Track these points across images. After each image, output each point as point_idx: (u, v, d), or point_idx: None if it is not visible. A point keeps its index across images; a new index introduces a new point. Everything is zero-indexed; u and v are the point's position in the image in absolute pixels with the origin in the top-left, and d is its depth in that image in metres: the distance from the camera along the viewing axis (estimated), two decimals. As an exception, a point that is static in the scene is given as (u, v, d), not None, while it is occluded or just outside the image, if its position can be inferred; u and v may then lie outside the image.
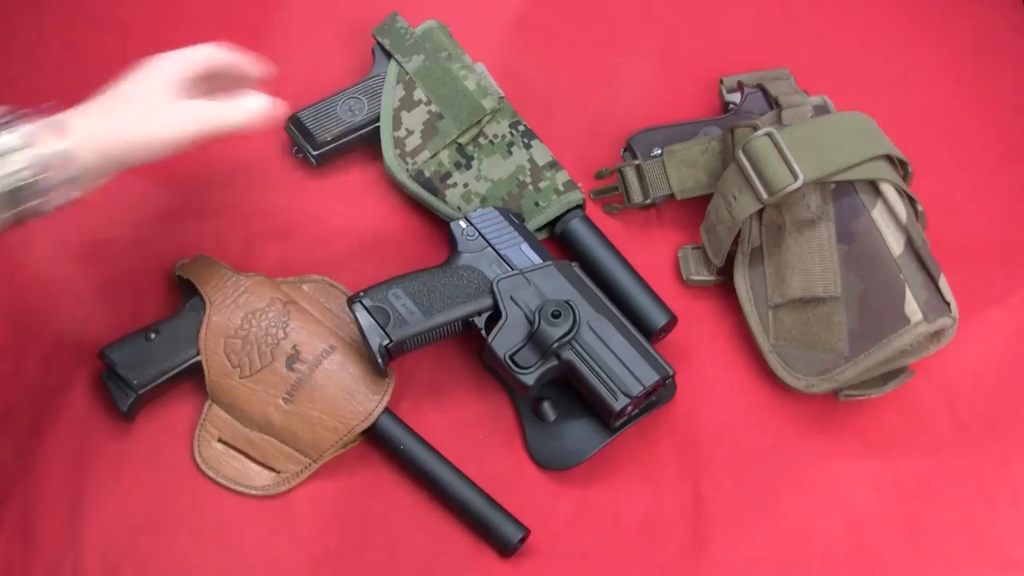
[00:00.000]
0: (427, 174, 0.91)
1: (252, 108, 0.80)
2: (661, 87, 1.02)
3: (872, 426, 0.88)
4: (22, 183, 0.70)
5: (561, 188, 0.91)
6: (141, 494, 0.84)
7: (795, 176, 0.86)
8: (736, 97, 0.97)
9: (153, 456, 0.86)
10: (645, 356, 0.83)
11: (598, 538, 0.84)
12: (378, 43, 0.95)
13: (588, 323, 0.83)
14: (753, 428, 0.88)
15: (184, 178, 0.95)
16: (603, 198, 0.97)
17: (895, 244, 0.86)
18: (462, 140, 0.92)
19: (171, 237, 0.93)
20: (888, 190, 0.87)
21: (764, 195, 0.87)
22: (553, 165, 0.92)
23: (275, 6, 1.05)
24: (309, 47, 1.03)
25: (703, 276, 0.93)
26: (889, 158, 0.89)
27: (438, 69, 0.93)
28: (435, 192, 0.91)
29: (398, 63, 0.94)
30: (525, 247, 0.87)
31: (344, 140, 0.93)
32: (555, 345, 0.82)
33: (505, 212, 0.89)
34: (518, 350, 0.82)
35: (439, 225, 0.93)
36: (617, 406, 0.81)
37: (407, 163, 0.91)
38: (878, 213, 0.87)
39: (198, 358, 0.85)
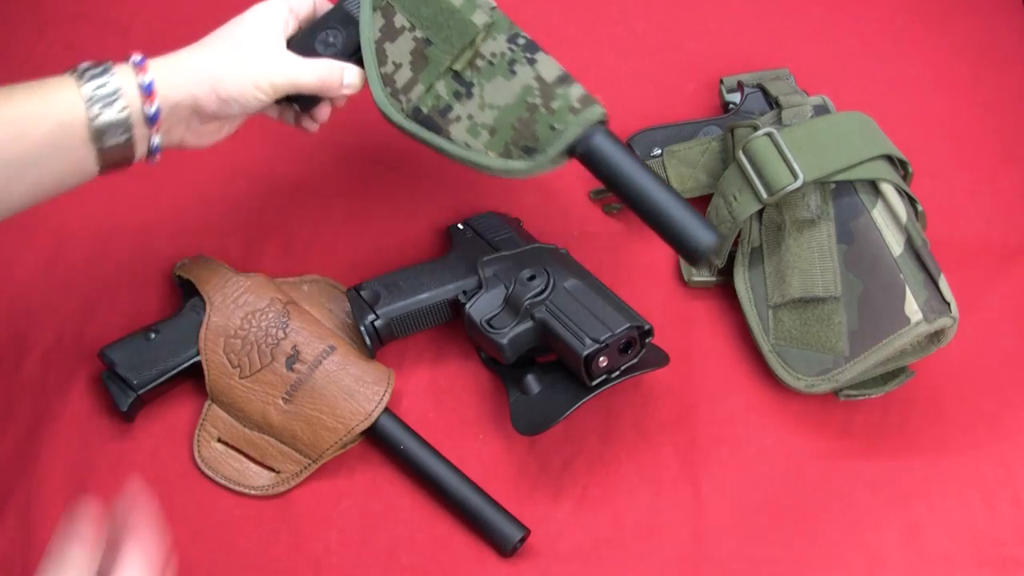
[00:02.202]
0: (425, 110, 0.80)
1: (356, 77, 0.81)
2: (661, 87, 1.02)
3: (872, 426, 0.88)
4: (108, 118, 0.71)
5: (577, 105, 0.78)
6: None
7: (795, 176, 0.86)
8: (736, 97, 0.97)
9: (153, 456, 0.86)
10: (619, 309, 0.83)
11: (598, 538, 0.84)
12: None
13: (565, 287, 0.84)
14: (753, 428, 0.88)
15: (184, 178, 0.95)
16: (603, 198, 0.97)
17: (895, 244, 0.86)
18: (457, 66, 0.80)
19: (171, 237, 0.93)
20: (888, 190, 0.87)
21: (764, 195, 0.87)
22: (564, 79, 0.79)
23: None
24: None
25: (703, 276, 0.93)
26: (889, 158, 0.89)
27: None
28: (437, 130, 0.80)
29: None
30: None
31: None
32: (528, 304, 0.82)
33: (503, 215, 0.90)
34: (495, 315, 0.83)
35: (441, 224, 0.93)
36: (583, 351, 0.80)
37: (401, 101, 0.80)
38: (878, 213, 0.87)
39: (198, 358, 0.85)
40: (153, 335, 0.86)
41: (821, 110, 0.92)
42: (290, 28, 0.80)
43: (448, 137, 0.79)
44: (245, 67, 0.76)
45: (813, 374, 0.87)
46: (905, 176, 0.91)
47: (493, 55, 0.80)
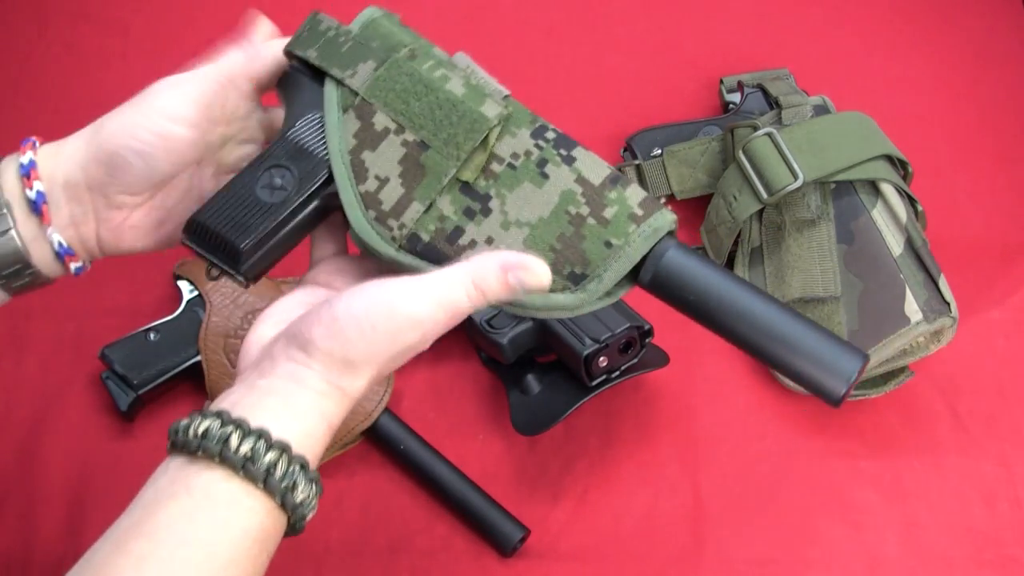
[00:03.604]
0: (426, 238, 0.60)
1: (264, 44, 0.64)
2: (661, 87, 1.02)
3: (872, 426, 0.88)
4: None
5: (639, 211, 0.58)
6: (141, 494, 0.84)
7: (795, 176, 0.86)
8: (736, 97, 0.97)
9: (153, 456, 0.85)
10: (619, 309, 0.83)
11: (598, 538, 0.84)
12: (297, 64, 0.63)
13: None
14: (753, 428, 0.88)
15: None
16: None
17: (895, 244, 0.86)
18: (466, 175, 0.60)
19: (171, 237, 0.93)
20: (888, 190, 0.87)
21: (764, 195, 0.87)
22: (615, 179, 0.59)
23: (277, 6, 1.05)
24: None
25: (703, 276, 0.93)
26: (889, 158, 0.89)
27: (401, 76, 0.61)
28: (445, 261, 0.59)
29: (337, 82, 0.62)
30: None
31: (280, 236, 0.60)
32: None
33: None
34: (495, 315, 0.83)
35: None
36: (583, 350, 0.80)
37: (391, 227, 0.60)
38: (878, 213, 0.87)
39: (198, 358, 0.85)
40: (153, 335, 0.86)
41: (821, 110, 0.92)
42: (243, 91, 0.64)
43: None
44: (142, 105, 0.60)
45: (813, 374, 0.87)
46: (905, 176, 0.91)
47: (515, 156, 0.60)
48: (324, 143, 0.61)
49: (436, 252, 0.60)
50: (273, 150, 0.61)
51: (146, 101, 0.59)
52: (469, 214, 0.60)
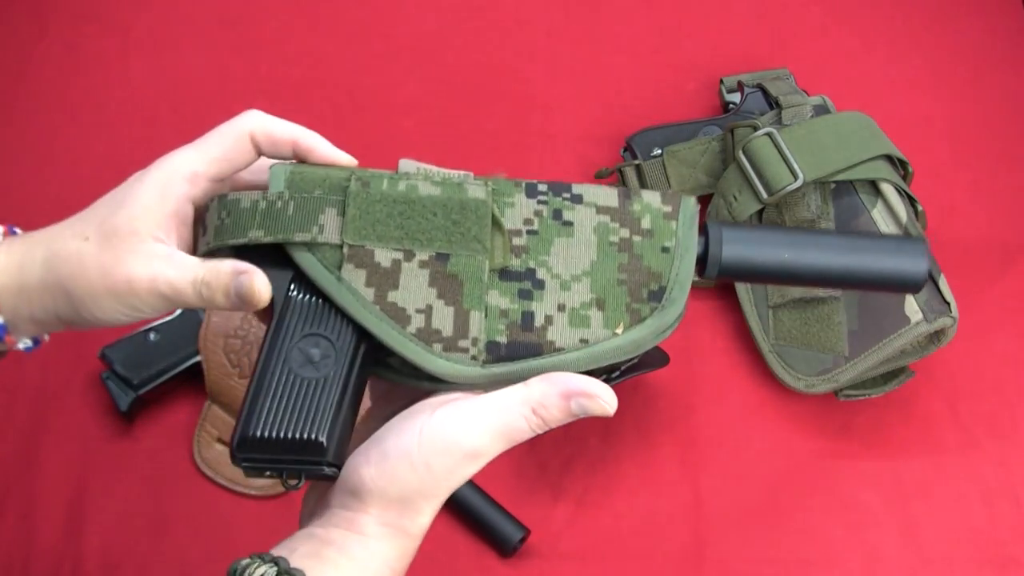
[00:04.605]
0: (502, 340, 0.57)
1: (251, 290, 0.55)
2: (661, 87, 1.02)
3: (872, 426, 0.88)
4: None
5: (666, 208, 0.59)
6: (141, 494, 0.84)
7: (795, 176, 0.86)
8: (736, 97, 0.97)
9: (153, 456, 0.86)
10: None
11: (598, 538, 0.84)
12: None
13: None
14: (753, 428, 0.88)
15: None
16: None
17: (895, 244, 0.86)
18: (498, 261, 0.58)
19: (171, 237, 0.93)
20: (888, 190, 0.87)
21: (764, 195, 0.87)
22: (627, 194, 0.60)
23: (277, 5, 1.05)
24: (313, 45, 1.03)
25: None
26: (889, 158, 0.89)
27: (374, 205, 0.57)
28: (536, 351, 0.57)
29: (310, 249, 0.56)
30: None
31: (347, 401, 0.55)
32: None
33: None
34: None
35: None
36: None
37: (466, 350, 0.57)
38: (878, 213, 0.87)
39: (198, 358, 0.85)
40: (153, 335, 0.86)
41: (821, 110, 0.92)
42: (199, 190, 0.58)
43: (554, 349, 0.58)
44: (118, 290, 0.55)
45: (813, 374, 0.87)
46: (905, 176, 0.91)
47: (528, 221, 0.59)
48: (329, 304, 0.56)
49: (521, 347, 0.57)
50: (287, 325, 0.55)
51: (119, 286, 0.55)
52: (525, 295, 0.58)
